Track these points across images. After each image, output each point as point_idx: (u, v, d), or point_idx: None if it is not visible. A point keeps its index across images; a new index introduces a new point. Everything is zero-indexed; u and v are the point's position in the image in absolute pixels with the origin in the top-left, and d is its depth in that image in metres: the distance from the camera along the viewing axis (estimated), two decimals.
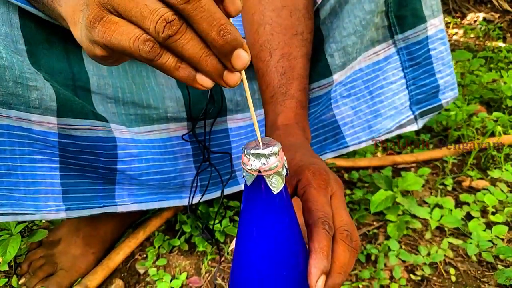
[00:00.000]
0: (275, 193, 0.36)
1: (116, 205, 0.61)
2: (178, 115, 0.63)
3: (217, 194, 0.69)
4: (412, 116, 0.69)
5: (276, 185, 0.36)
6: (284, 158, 0.36)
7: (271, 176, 0.35)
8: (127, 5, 0.28)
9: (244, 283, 0.39)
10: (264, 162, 0.34)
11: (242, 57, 0.29)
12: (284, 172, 0.36)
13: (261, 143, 0.35)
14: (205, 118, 0.62)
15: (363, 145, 0.69)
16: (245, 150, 0.35)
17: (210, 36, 0.28)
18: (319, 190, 0.40)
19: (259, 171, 0.35)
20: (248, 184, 0.36)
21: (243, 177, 0.36)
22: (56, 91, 0.50)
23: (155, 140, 0.62)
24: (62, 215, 0.56)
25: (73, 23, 0.36)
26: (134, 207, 0.63)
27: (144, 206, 0.64)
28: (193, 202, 0.67)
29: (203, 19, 0.27)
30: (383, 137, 0.69)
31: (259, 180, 0.36)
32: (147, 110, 0.61)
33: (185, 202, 0.67)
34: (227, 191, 0.69)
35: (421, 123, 0.69)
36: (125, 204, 0.62)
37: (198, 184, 0.67)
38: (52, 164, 0.55)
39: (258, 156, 0.34)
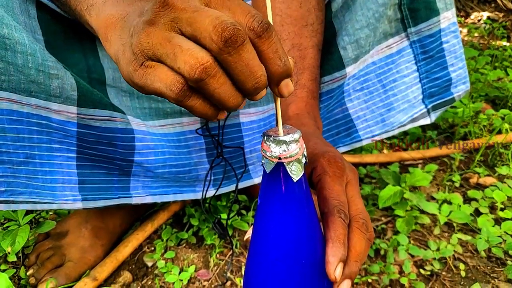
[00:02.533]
0: (295, 180, 0.36)
1: (131, 197, 0.61)
2: None
3: (230, 188, 0.69)
4: (425, 110, 0.69)
5: (296, 172, 0.35)
6: (304, 146, 0.36)
7: (291, 163, 0.35)
8: (164, 48, 0.28)
9: (261, 270, 0.39)
10: (285, 149, 0.34)
11: (263, 94, 0.31)
12: (304, 160, 0.36)
13: (281, 130, 0.35)
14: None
15: (376, 138, 0.69)
16: (265, 137, 0.34)
17: (244, 85, 0.29)
18: (334, 178, 0.39)
19: (279, 158, 0.34)
20: (268, 171, 0.36)
21: (262, 164, 0.36)
22: (77, 80, 0.50)
23: (169, 134, 0.62)
24: (79, 205, 0.56)
25: (104, 39, 0.37)
26: (149, 199, 0.63)
27: (158, 199, 0.64)
28: (207, 196, 0.66)
29: (241, 72, 0.28)
30: (397, 131, 0.69)
31: (279, 167, 0.35)
32: (161, 104, 0.61)
33: (198, 196, 0.67)
34: (240, 185, 0.69)
35: (433, 116, 0.69)
36: (139, 196, 0.62)
37: (212, 178, 0.67)
38: (69, 153, 0.54)
39: (278, 142, 0.34)
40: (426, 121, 0.69)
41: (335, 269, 0.35)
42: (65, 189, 0.55)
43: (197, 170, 0.65)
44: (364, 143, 0.69)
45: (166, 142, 0.61)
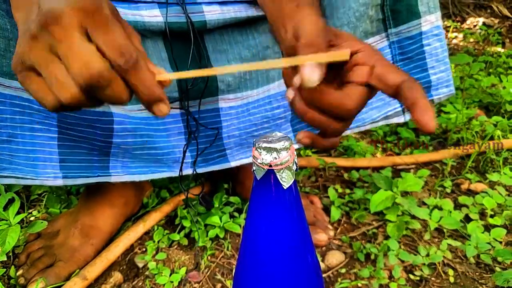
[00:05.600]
0: (285, 188, 0.36)
1: (110, 176, 0.63)
2: (170, 94, 0.63)
3: (208, 169, 0.70)
4: (400, 109, 0.70)
5: (286, 180, 0.36)
6: (295, 153, 0.36)
7: (282, 171, 0.35)
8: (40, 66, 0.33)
9: (251, 274, 0.39)
10: (276, 156, 0.34)
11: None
12: (294, 167, 0.36)
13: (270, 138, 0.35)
14: (193, 85, 0.62)
15: (347, 132, 0.71)
16: (257, 144, 0.35)
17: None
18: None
19: (270, 165, 0.35)
20: (258, 178, 0.36)
21: (253, 170, 0.36)
22: None
23: (148, 117, 0.63)
24: (59, 182, 0.58)
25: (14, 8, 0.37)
26: (127, 178, 0.64)
27: (136, 178, 0.65)
28: (184, 174, 0.68)
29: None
30: (368, 127, 0.70)
31: (269, 175, 0.36)
32: None
33: (176, 173, 0.68)
34: (217, 167, 0.70)
35: (408, 116, 0.70)
36: (118, 175, 0.64)
37: (191, 160, 0.68)
38: (51, 134, 0.57)
39: (269, 150, 0.34)
40: (400, 119, 0.71)
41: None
42: (47, 167, 0.57)
43: (175, 153, 0.66)
44: None
45: (145, 125, 0.62)
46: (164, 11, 0.58)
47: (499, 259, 0.73)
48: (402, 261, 0.73)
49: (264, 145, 0.34)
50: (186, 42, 0.60)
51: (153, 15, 0.58)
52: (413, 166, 1.04)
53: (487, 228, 0.81)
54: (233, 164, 0.70)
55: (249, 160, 0.71)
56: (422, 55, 0.67)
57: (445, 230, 0.80)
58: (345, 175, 0.99)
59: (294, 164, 0.36)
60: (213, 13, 0.61)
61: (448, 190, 0.93)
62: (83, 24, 0.31)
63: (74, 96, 0.32)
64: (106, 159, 0.63)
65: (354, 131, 0.71)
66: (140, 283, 0.70)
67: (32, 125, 0.55)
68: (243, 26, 0.64)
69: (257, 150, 0.35)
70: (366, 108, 0.69)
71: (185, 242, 0.77)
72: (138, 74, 0.33)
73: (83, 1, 0.31)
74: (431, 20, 0.65)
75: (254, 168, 0.36)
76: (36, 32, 0.31)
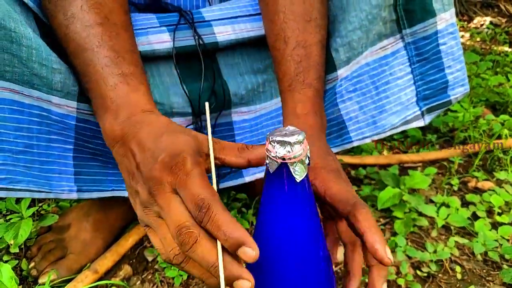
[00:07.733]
0: (298, 181, 0.36)
1: (124, 190, 0.62)
2: (183, 110, 0.63)
3: (225, 185, 0.69)
4: (419, 112, 0.68)
5: (299, 173, 0.36)
6: (308, 147, 0.37)
7: (294, 164, 0.36)
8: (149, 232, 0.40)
9: (263, 268, 0.40)
10: (289, 150, 0.35)
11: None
12: (307, 161, 0.37)
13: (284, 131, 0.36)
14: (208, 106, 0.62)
15: (367, 140, 0.69)
16: (270, 137, 0.35)
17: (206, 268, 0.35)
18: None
19: (283, 159, 0.35)
20: (271, 171, 0.36)
21: (266, 164, 0.37)
22: (78, 77, 0.51)
23: None
24: (74, 195, 0.58)
25: (110, 145, 0.46)
26: None
27: None
28: None
29: (200, 261, 0.34)
30: (388, 133, 0.68)
31: (282, 168, 0.36)
32: None
33: None
34: (232, 183, 0.70)
35: (428, 119, 0.68)
36: None
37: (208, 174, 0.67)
38: (67, 145, 0.56)
39: (283, 143, 0.35)
40: (420, 123, 0.68)
41: (385, 252, 0.39)
42: (62, 180, 0.56)
43: None
44: (354, 144, 0.69)
45: None
46: (173, 35, 0.59)
47: (507, 256, 0.73)
48: (410, 258, 0.74)
49: (278, 138, 0.35)
50: (198, 61, 0.61)
51: (161, 41, 0.58)
52: (420, 164, 1.04)
53: (495, 226, 0.81)
54: (248, 179, 0.69)
55: (262, 174, 0.70)
56: (438, 55, 0.65)
57: (452, 228, 0.81)
58: (352, 172, 0.99)
59: (307, 158, 0.37)
60: (224, 34, 0.61)
61: (455, 188, 0.93)
62: (171, 185, 0.37)
63: (177, 254, 0.36)
64: (120, 172, 0.62)
65: (374, 138, 0.69)
66: (150, 276, 0.70)
67: (49, 135, 0.54)
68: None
69: (270, 143, 0.35)
70: (385, 114, 0.67)
71: None
72: (211, 220, 0.35)
73: (166, 157, 0.37)
74: (446, 18, 0.63)
75: (267, 161, 0.37)
76: (145, 202, 0.38)
